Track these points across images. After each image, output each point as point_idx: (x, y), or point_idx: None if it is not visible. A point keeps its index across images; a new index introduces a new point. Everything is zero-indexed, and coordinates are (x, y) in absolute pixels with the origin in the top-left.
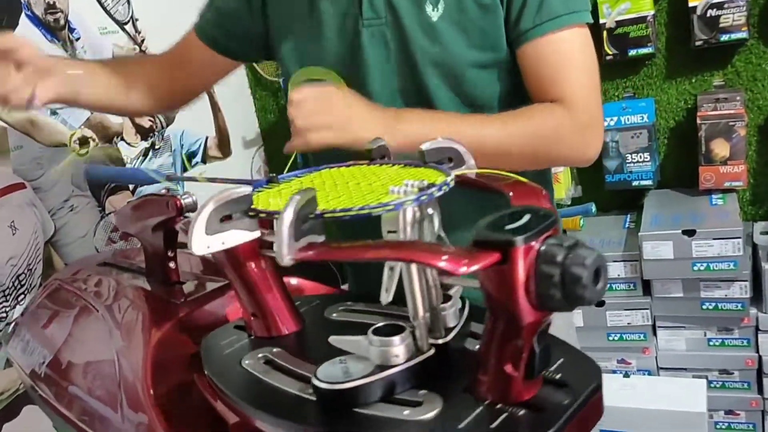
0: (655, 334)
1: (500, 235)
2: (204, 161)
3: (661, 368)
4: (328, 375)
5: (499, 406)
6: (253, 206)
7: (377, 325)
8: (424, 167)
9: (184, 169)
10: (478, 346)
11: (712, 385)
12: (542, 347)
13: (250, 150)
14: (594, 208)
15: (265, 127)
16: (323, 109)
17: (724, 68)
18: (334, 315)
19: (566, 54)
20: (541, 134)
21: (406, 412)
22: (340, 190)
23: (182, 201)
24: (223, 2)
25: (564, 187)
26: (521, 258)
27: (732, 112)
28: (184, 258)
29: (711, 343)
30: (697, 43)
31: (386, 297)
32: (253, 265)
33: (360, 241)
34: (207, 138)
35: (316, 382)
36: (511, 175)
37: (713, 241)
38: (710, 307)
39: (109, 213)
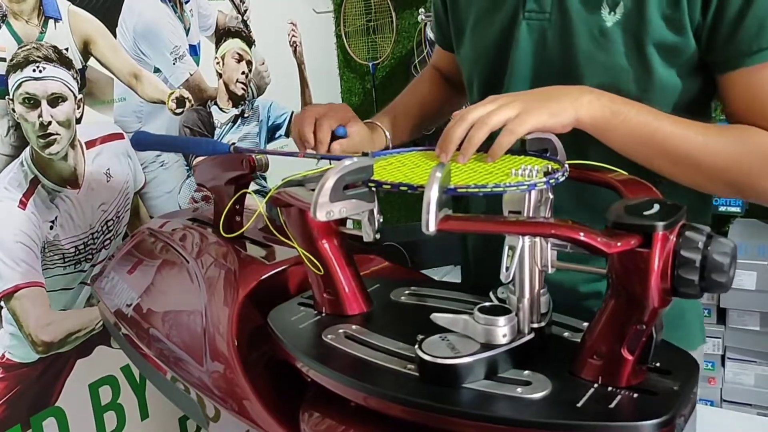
0: (723, 365)
1: (642, 220)
2: (287, 135)
3: (725, 400)
4: (435, 351)
5: (610, 388)
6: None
7: (483, 304)
8: (525, 156)
9: (268, 140)
10: (566, 333)
11: None
12: (658, 335)
13: None
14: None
15: None
16: (517, 97)
17: None
18: (402, 298)
19: None
20: (750, 156)
21: (519, 390)
22: (455, 170)
23: (256, 160)
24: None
25: None
26: (661, 243)
27: None
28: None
29: None
30: None
31: (507, 275)
32: (327, 243)
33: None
34: (293, 113)
35: (424, 356)
36: (620, 170)
37: None
38: None
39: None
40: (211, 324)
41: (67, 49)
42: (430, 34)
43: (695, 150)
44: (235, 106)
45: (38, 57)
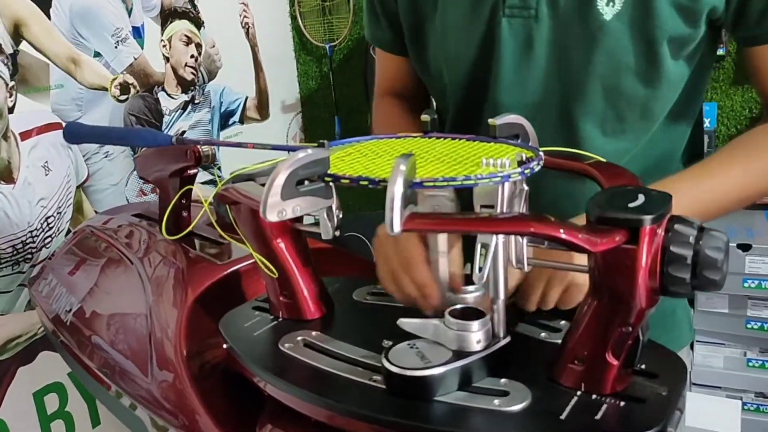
0: (692, 348)
1: (627, 214)
2: (241, 121)
3: (695, 384)
4: (403, 361)
5: (594, 396)
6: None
7: (454, 307)
8: (495, 143)
9: (221, 128)
10: (543, 334)
11: (746, 408)
12: (645, 336)
13: (287, 115)
14: None
15: (305, 93)
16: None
17: None
18: (366, 298)
19: None
20: (765, 171)
21: (497, 402)
22: (421, 160)
23: (201, 151)
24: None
25: None
26: (649, 238)
27: None
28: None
29: (750, 364)
30: None
31: (480, 276)
32: (283, 243)
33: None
34: (247, 98)
35: (391, 368)
36: (596, 156)
37: None
38: (755, 327)
39: None
40: (157, 331)
41: None
42: None
43: (744, 191)
44: (184, 91)
45: None
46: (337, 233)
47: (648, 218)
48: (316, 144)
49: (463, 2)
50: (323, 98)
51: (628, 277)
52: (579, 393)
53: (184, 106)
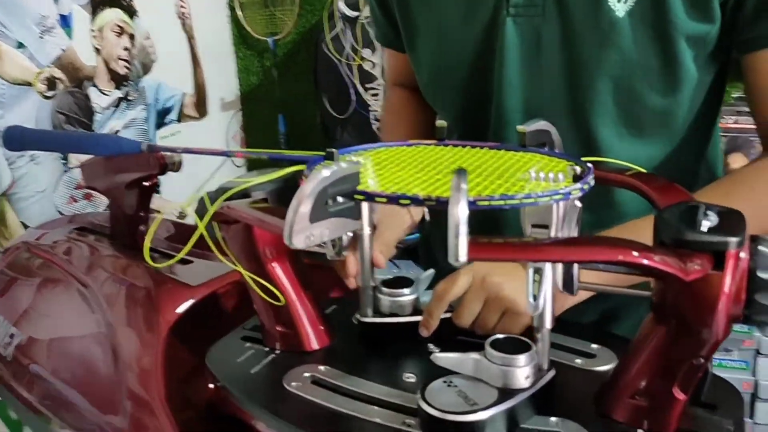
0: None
1: (712, 236)
2: (179, 119)
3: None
4: (445, 402)
5: None
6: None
7: (495, 338)
8: (528, 152)
9: (157, 127)
10: (578, 360)
11: None
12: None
13: (227, 113)
14: None
15: (246, 89)
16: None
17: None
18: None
19: None
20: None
21: None
22: (446, 174)
23: (166, 159)
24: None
25: None
26: (733, 262)
27: (753, 126)
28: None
29: None
30: None
31: (534, 307)
32: (280, 265)
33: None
34: (184, 95)
35: (434, 412)
36: (635, 167)
37: None
38: None
39: (75, 167)
40: (127, 367)
41: None
42: (345, 10)
43: None
44: (117, 87)
45: None
46: (346, 252)
47: (734, 241)
48: (322, 153)
49: (459, 2)
50: (266, 95)
51: (707, 306)
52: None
53: (117, 103)
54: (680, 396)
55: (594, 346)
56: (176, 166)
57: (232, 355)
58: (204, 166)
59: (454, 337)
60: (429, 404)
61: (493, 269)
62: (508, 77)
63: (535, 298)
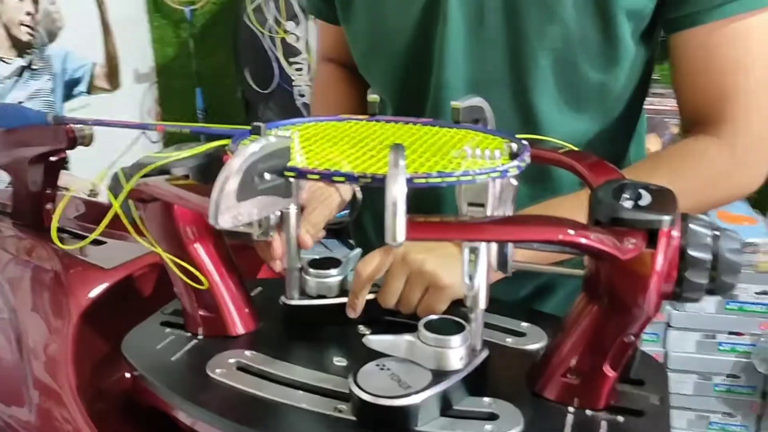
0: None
1: (647, 215)
2: (89, 91)
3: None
4: (378, 387)
5: (590, 413)
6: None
7: (428, 320)
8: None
9: (65, 99)
10: (509, 339)
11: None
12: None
13: (141, 85)
14: None
15: (161, 60)
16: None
17: (661, 63)
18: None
19: (747, 49)
20: (696, 188)
21: (489, 428)
22: (385, 152)
23: (76, 131)
24: None
25: None
26: (666, 241)
27: (668, 108)
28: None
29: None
30: None
31: (470, 287)
32: (202, 246)
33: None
34: (94, 65)
35: (365, 397)
36: (567, 144)
37: None
38: None
39: None
40: (33, 356)
41: None
42: None
43: None
44: (20, 55)
45: None
46: (273, 233)
47: (667, 219)
48: (249, 127)
49: None
50: (182, 68)
51: (639, 284)
52: (572, 409)
53: (20, 73)
54: (610, 373)
55: (524, 324)
56: (87, 140)
57: (150, 342)
58: (117, 141)
59: (383, 317)
60: (361, 388)
61: (413, 246)
62: (450, 49)
63: (471, 278)
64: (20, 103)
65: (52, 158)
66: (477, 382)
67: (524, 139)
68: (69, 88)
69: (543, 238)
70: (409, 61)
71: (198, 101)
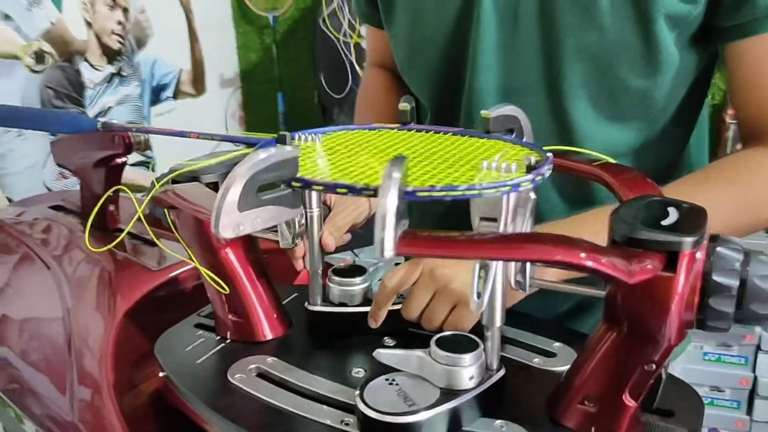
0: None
1: (666, 235)
2: (175, 96)
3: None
4: (383, 402)
5: None
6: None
7: (441, 336)
8: (490, 139)
9: (152, 103)
10: (536, 359)
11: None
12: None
13: (226, 90)
14: None
15: (245, 66)
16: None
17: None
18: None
19: None
20: (753, 204)
21: None
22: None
23: (132, 137)
24: None
25: None
26: (688, 264)
27: None
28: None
29: (706, 358)
30: None
31: (479, 305)
32: (232, 252)
33: (467, 231)
34: (181, 71)
35: (368, 412)
36: (603, 156)
37: None
38: None
39: None
40: (79, 352)
41: None
42: None
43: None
44: (110, 62)
45: None
46: (299, 241)
47: (689, 241)
48: (274, 135)
49: None
50: (265, 73)
51: (658, 309)
52: None
53: (110, 79)
54: (630, 403)
55: (556, 344)
56: (142, 146)
57: (180, 344)
58: (205, 144)
59: (409, 328)
60: (365, 403)
61: (443, 260)
62: (483, 55)
63: (480, 295)
64: (109, 108)
65: (112, 162)
66: (491, 402)
67: (557, 150)
68: (156, 94)
69: (539, 257)
70: (445, 67)
71: (279, 106)
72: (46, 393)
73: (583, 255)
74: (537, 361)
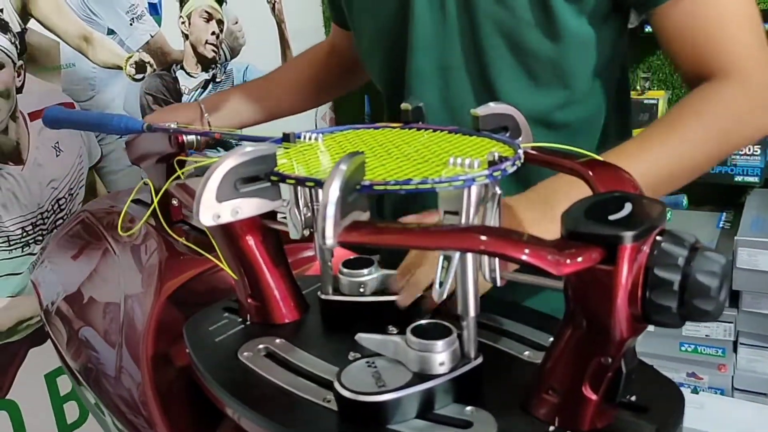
0: (735, 350)
1: (605, 229)
2: None
3: (737, 389)
4: (356, 382)
5: None
6: (276, 169)
7: (417, 324)
8: (478, 136)
9: None
10: (527, 352)
11: None
12: (629, 368)
13: None
14: (685, 201)
15: None
16: None
17: None
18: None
19: (727, 7)
20: (721, 129)
21: None
22: (381, 158)
23: (185, 137)
24: None
25: None
26: (629, 258)
27: None
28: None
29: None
30: None
31: (440, 293)
32: (252, 239)
33: (419, 223)
34: None
35: (342, 391)
36: (588, 153)
37: None
38: None
39: None
40: (128, 329)
41: (1, 11)
42: None
43: (692, 161)
44: (204, 69)
45: None
46: (306, 232)
47: (628, 235)
48: (282, 135)
49: None
50: None
51: (604, 302)
52: (552, 428)
53: (205, 85)
54: (590, 395)
55: (552, 339)
56: (195, 145)
57: (207, 324)
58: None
59: (416, 318)
60: (341, 384)
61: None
62: (419, 39)
63: (441, 284)
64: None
65: (171, 160)
66: (465, 389)
67: (548, 148)
68: None
69: (465, 246)
70: (394, 53)
71: (366, 107)
72: (101, 372)
73: (507, 245)
74: (527, 354)
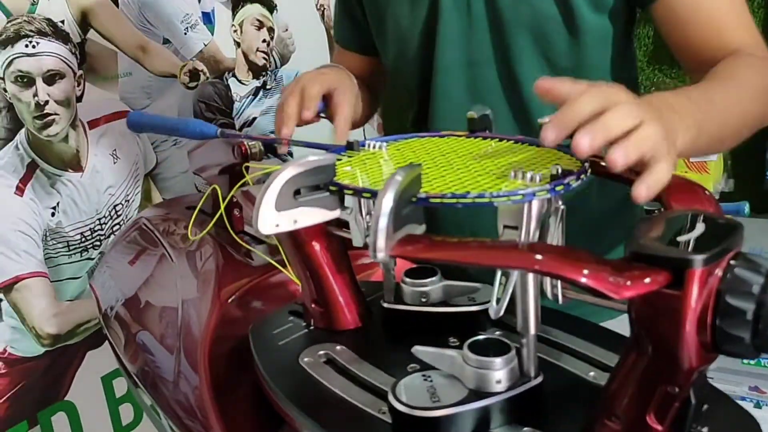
0: None
1: (673, 251)
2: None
3: None
4: (411, 396)
5: None
6: (335, 179)
7: (475, 339)
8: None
9: None
10: (592, 373)
11: None
12: (699, 398)
13: None
14: (747, 209)
15: None
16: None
17: None
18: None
19: None
20: (759, 88)
21: None
22: (442, 169)
23: (248, 148)
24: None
25: (713, 178)
26: (699, 283)
27: None
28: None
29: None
30: None
31: (497, 310)
32: (318, 246)
33: (474, 237)
34: None
35: (395, 404)
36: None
37: None
38: None
39: None
40: (185, 335)
41: (62, 22)
42: None
43: (747, 111)
44: (255, 77)
45: (30, 31)
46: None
47: (698, 259)
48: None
49: None
50: None
51: (671, 329)
52: None
53: (255, 92)
54: (655, 425)
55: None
56: (257, 156)
57: (272, 327)
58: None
59: (479, 332)
60: (395, 397)
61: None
62: (446, 38)
63: (498, 301)
64: (254, 118)
65: (234, 170)
66: (522, 409)
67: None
68: None
69: (517, 265)
70: (421, 52)
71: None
72: (158, 376)
73: (564, 266)
74: (592, 374)
